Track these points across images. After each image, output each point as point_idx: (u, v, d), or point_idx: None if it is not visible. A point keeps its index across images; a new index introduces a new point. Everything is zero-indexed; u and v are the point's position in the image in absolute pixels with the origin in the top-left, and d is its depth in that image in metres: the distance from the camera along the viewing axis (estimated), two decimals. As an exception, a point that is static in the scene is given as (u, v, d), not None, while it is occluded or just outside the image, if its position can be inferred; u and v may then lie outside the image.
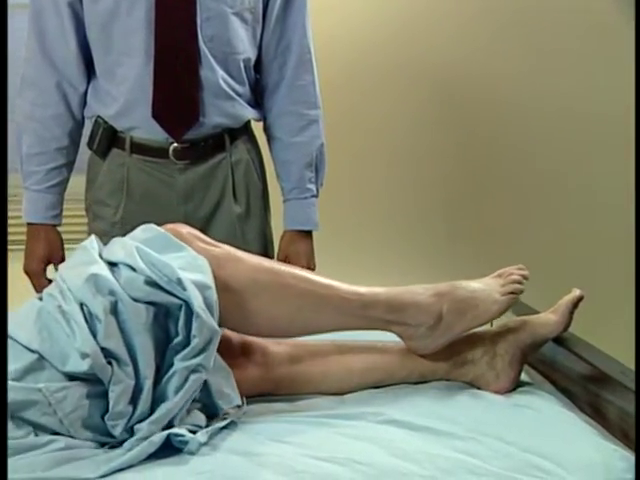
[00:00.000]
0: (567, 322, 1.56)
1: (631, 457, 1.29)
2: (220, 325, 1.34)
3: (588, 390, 1.53)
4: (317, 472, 1.20)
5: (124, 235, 1.57)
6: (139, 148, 1.99)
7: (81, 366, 1.26)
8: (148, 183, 2.00)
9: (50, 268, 2.06)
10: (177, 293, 1.32)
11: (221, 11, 1.92)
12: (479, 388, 1.53)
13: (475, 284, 1.54)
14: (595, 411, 1.48)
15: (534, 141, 2.96)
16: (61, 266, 1.48)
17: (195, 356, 1.30)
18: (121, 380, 1.27)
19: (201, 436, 1.26)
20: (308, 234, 2.13)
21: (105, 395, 1.28)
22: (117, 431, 1.27)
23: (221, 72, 1.95)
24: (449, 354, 1.54)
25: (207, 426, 1.32)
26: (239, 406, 1.38)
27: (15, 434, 1.24)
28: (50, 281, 1.97)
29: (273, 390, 1.51)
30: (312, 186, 2.11)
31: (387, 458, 1.25)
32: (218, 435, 1.30)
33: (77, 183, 2.12)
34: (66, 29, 1.95)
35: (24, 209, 2.05)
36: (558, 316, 1.56)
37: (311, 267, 2.10)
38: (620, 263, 2.87)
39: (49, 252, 2.04)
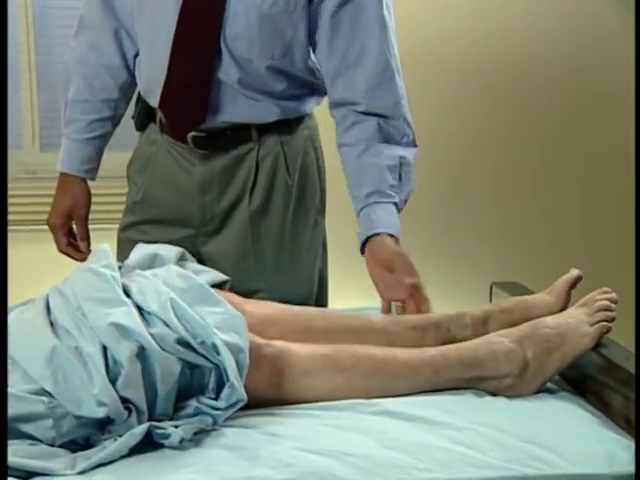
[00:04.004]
0: (563, 303, 1.50)
1: (635, 447, 1.24)
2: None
3: (590, 377, 1.47)
4: (307, 465, 1.16)
5: (142, 223, 1.51)
6: (166, 128, 1.83)
7: (97, 413, 1.21)
8: (170, 167, 1.84)
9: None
10: (209, 356, 1.27)
11: (250, 10, 1.69)
12: None
13: (560, 318, 1.45)
14: (598, 399, 1.43)
15: (533, 128, 2.93)
16: (79, 293, 1.32)
17: (214, 409, 1.26)
18: (129, 425, 1.22)
19: (183, 430, 1.21)
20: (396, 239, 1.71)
21: (104, 425, 1.24)
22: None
23: (240, 74, 1.73)
24: (437, 332, 1.47)
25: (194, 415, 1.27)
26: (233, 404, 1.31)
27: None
28: (73, 237, 1.90)
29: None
30: (393, 192, 1.72)
31: (380, 450, 1.21)
32: (203, 430, 1.25)
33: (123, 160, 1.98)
34: None
35: (60, 157, 1.92)
36: (553, 296, 1.50)
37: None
38: (624, 242, 2.83)
39: (72, 206, 1.89)
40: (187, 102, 1.77)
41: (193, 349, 1.27)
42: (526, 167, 2.96)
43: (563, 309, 1.50)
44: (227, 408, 1.26)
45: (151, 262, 1.54)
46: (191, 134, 1.79)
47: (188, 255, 1.63)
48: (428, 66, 2.86)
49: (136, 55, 1.87)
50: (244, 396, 1.26)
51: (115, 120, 1.92)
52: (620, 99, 2.85)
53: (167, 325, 1.28)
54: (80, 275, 1.36)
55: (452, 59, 2.88)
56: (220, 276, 1.58)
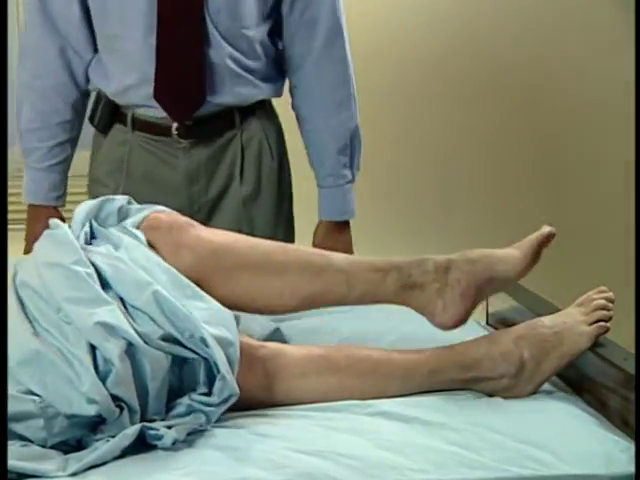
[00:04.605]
0: (530, 261, 1.43)
1: (633, 448, 1.23)
2: None
3: (588, 377, 1.46)
4: (300, 466, 1.14)
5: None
6: (141, 125, 1.85)
7: (87, 410, 1.19)
8: (150, 163, 1.86)
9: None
10: (198, 350, 1.25)
11: None
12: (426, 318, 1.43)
13: (556, 318, 1.43)
14: (595, 399, 1.42)
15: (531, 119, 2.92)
16: (56, 293, 1.27)
17: (207, 405, 1.24)
18: (122, 424, 1.20)
19: (176, 432, 1.20)
20: (345, 224, 1.97)
21: (96, 426, 1.22)
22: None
23: (229, 49, 1.80)
24: (398, 276, 1.41)
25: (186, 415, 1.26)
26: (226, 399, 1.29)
27: None
28: None
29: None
30: (347, 171, 1.93)
31: (374, 451, 1.19)
32: (196, 431, 1.24)
33: (83, 159, 2.00)
34: None
35: (25, 189, 1.93)
36: (520, 253, 1.43)
37: None
38: (622, 240, 2.82)
39: None
40: (185, 84, 1.79)
41: (181, 344, 1.25)
42: (523, 163, 2.95)
43: (528, 268, 1.44)
44: (220, 404, 1.24)
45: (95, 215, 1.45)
46: (176, 124, 1.82)
47: (132, 200, 1.53)
48: (431, 58, 2.86)
49: (87, 67, 1.87)
50: (236, 390, 1.25)
51: (73, 142, 1.93)
52: (618, 95, 2.84)
53: (153, 320, 1.26)
54: (51, 272, 1.30)
55: (451, 56, 2.88)
56: (161, 208, 1.50)
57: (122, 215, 1.43)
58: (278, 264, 1.41)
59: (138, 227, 1.40)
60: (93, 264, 1.31)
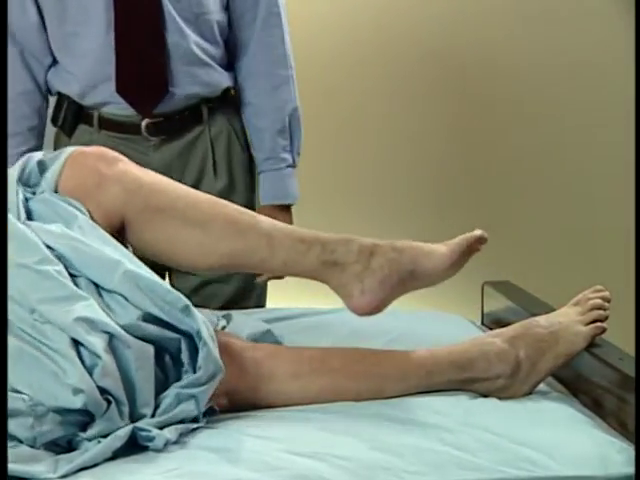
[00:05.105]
0: (456, 261, 1.36)
1: (630, 449, 1.22)
2: None
3: (583, 378, 1.45)
4: (294, 468, 1.13)
5: None
6: (108, 124, 1.85)
7: (74, 403, 1.16)
8: None
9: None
10: (180, 325, 1.23)
11: None
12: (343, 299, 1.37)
13: (552, 318, 1.42)
14: (591, 400, 1.41)
15: (527, 115, 2.90)
16: (27, 294, 1.22)
17: (195, 386, 1.22)
18: (111, 418, 1.18)
19: (169, 432, 1.18)
20: (286, 209, 1.96)
21: (86, 425, 1.19)
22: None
23: (193, 36, 1.82)
24: (322, 251, 1.36)
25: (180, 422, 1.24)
26: (213, 410, 1.29)
27: None
28: None
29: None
30: (287, 155, 1.94)
31: (369, 452, 1.18)
32: (189, 432, 1.22)
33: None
34: None
35: None
36: (448, 250, 1.37)
37: None
38: (617, 240, 2.81)
39: None
40: (148, 74, 1.80)
41: (162, 322, 1.23)
42: (518, 165, 2.94)
43: (453, 268, 1.38)
44: (207, 382, 1.22)
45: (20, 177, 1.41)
46: (145, 121, 1.82)
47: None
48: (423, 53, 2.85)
49: (47, 72, 1.87)
50: (220, 364, 1.23)
51: (40, 150, 1.88)
52: (618, 95, 2.83)
53: (129, 301, 1.23)
54: (19, 274, 1.25)
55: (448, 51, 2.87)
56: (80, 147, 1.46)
57: (42, 168, 1.38)
58: (204, 215, 1.37)
59: (61, 171, 1.36)
60: (50, 247, 1.27)
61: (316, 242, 1.37)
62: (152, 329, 1.23)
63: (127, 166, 1.39)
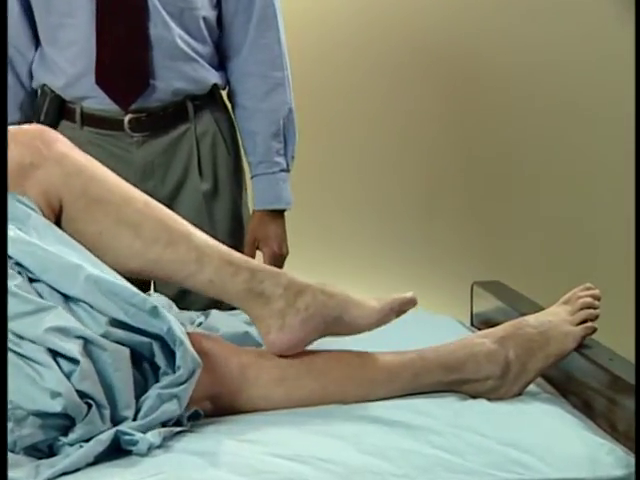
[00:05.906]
0: (383, 317, 1.35)
1: (619, 451, 1.21)
2: None
3: (573, 379, 1.44)
4: (279, 471, 1.11)
5: None
6: (91, 120, 1.83)
7: (53, 406, 1.13)
8: (102, 159, 1.78)
9: None
10: (148, 327, 1.21)
11: None
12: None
13: (541, 317, 1.40)
14: (581, 401, 1.40)
15: (523, 121, 2.90)
16: None
17: (175, 386, 1.20)
18: (92, 422, 1.15)
19: (152, 436, 1.16)
20: (279, 214, 1.94)
21: (67, 429, 1.17)
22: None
23: (178, 30, 1.79)
24: (250, 279, 1.33)
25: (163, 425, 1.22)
26: (198, 414, 1.27)
27: None
28: None
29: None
30: (281, 159, 1.92)
31: (356, 455, 1.16)
32: (173, 436, 1.20)
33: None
34: None
35: None
36: (378, 306, 1.35)
37: (283, 252, 1.94)
38: (610, 239, 2.80)
39: None
40: (129, 66, 1.77)
41: (128, 326, 1.21)
42: (509, 165, 2.93)
43: (379, 324, 1.37)
44: (188, 379, 1.20)
45: None
46: (128, 117, 1.79)
47: None
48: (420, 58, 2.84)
49: (30, 65, 1.85)
50: (198, 359, 1.21)
51: None
52: (618, 96, 2.83)
53: (93, 307, 1.21)
54: None
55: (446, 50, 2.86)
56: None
57: None
58: (138, 215, 1.34)
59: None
60: (7, 255, 1.23)
61: (246, 268, 1.34)
62: (121, 334, 1.21)
63: (66, 148, 1.36)
